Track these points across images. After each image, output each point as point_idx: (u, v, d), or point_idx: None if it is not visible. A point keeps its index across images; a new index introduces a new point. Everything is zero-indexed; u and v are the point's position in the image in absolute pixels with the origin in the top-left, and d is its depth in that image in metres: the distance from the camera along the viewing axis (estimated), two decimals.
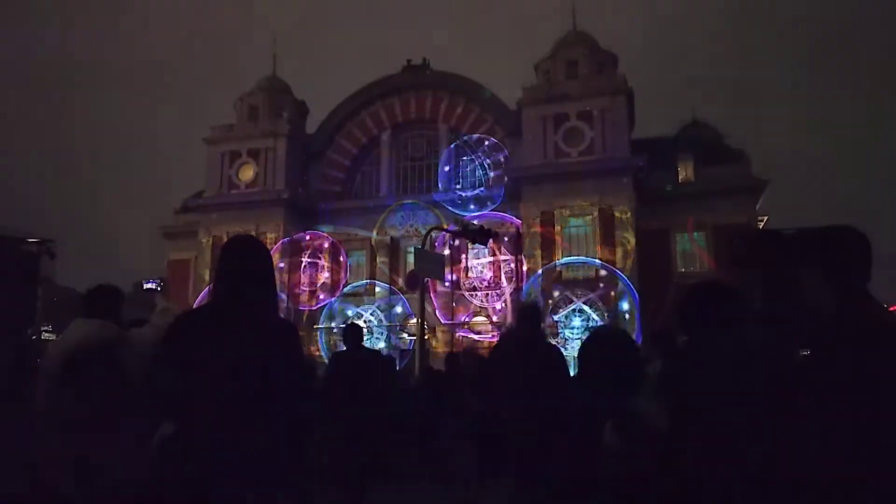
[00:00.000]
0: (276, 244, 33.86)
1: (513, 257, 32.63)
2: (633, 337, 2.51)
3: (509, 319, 28.91)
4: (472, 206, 32.53)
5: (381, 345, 31.06)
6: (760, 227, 30.27)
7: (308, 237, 35.72)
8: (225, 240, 2.16)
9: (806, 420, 2.17)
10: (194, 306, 2.39)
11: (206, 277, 34.11)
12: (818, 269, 2.41)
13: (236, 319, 2.40)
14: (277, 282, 2.83)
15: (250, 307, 2.46)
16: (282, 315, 2.77)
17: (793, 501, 2.24)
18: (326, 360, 17.09)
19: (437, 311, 31.82)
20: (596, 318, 28.54)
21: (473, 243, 22.09)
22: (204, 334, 2.38)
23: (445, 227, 20.90)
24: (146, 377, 2.52)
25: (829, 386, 2.16)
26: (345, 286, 34.47)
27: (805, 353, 2.47)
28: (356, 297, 34.63)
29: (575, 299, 29.02)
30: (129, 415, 3.24)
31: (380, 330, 33.09)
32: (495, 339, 23.60)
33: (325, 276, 35.43)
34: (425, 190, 36.30)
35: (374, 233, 35.21)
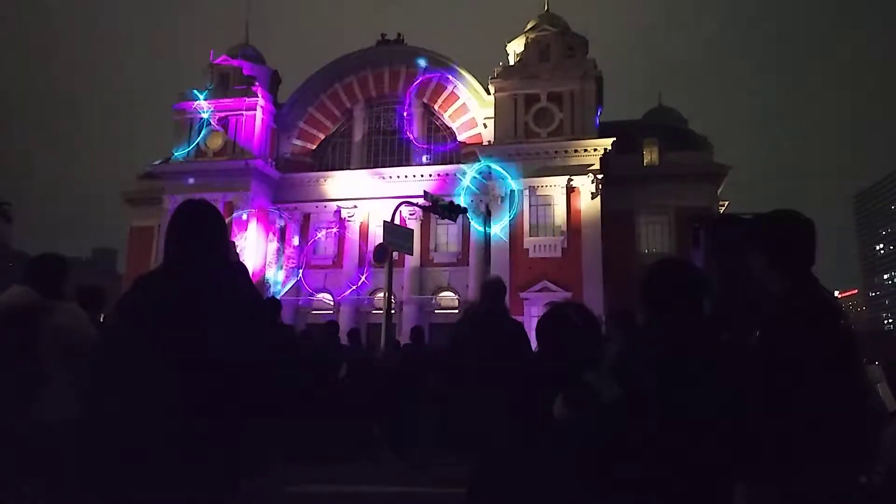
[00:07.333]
0: (244, 214, 33.68)
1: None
2: (593, 312, 2.51)
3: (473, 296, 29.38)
4: None
5: None
6: (721, 211, 31.35)
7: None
8: None
9: (757, 401, 2.20)
10: (146, 273, 2.33)
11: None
12: (764, 253, 2.49)
13: (185, 287, 2.29)
14: (237, 249, 2.76)
15: (200, 274, 2.34)
16: (245, 282, 2.62)
17: (746, 477, 2.31)
18: None
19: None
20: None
21: (443, 218, 22.40)
22: (151, 304, 2.28)
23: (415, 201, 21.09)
24: (92, 351, 2.43)
25: (777, 368, 2.23)
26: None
27: (756, 335, 2.50)
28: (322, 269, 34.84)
29: None
30: (35, 386, 3.19)
31: None
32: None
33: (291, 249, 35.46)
34: (397, 164, 36.44)
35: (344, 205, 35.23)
